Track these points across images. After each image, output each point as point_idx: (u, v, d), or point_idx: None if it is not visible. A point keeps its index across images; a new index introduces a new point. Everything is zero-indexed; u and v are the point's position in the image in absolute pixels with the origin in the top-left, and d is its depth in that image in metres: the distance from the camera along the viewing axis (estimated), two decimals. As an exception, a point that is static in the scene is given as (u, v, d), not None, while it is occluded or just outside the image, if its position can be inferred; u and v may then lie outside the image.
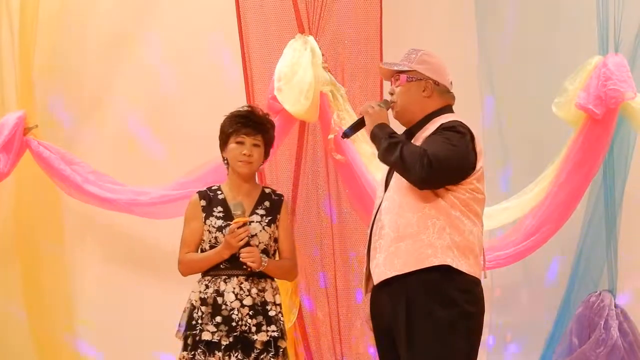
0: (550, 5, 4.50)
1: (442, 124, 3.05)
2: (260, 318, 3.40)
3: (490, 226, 4.14)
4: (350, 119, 4.19)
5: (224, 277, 3.44)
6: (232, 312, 3.39)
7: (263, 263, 3.41)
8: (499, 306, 4.37)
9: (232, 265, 3.43)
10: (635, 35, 4.22)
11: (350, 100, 4.25)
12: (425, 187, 2.97)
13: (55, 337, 4.55)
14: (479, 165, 3.04)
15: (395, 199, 3.04)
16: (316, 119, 4.20)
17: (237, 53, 4.36)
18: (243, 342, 3.37)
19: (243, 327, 3.37)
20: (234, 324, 3.37)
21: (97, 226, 4.68)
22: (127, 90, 4.73)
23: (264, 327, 3.39)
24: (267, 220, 3.49)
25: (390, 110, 3.20)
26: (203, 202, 3.54)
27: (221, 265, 3.45)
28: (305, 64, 4.12)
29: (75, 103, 4.76)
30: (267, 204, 3.54)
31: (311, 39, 4.22)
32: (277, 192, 3.64)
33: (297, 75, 4.10)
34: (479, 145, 3.06)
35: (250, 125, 3.51)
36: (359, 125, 3.20)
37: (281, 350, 3.43)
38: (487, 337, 4.30)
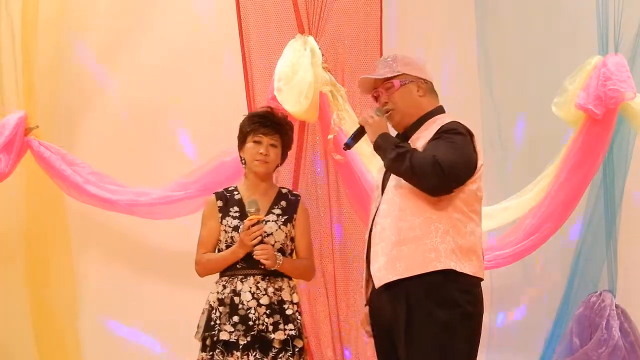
0: (550, 5, 4.51)
1: (442, 126, 3.04)
2: (277, 317, 3.40)
3: (490, 226, 4.15)
4: (350, 119, 4.20)
5: (240, 276, 3.44)
6: (249, 311, 3.38)
7: (278, 261, 3.41)
8: (499, 306, 4.37)
9: (249, 264, 3.43)
10: (635, 35, 4.22)
11: (350, 100, 4.25)
12: (438, 194, 2.97)
13: (58, 336, 4.55)
14: (479, 164, 3.05)
15: (396, 201, 3.03)
16: (316, 119, 4.21)
17: (237, 53, 4.36)
18: (261, 342, 3.36)
19: (260, 327, 3.37)
20: (250, 323, 3.36)
21: (102, 226, 4.68)
22: (127, 91, 4.73)
23: (281, 326, 3.38)
24: (283, 220, 3.49)
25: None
26: (220, 203, 3.54)
27: (237, 265, 3.44)
28: (305, 64, 4.12)
29: (76, 103, 4.76)
30: (283, 203, 3.54)
31: (311, 39, 4.22)
32: (294, 192, 3.65)
33: (297, 75, 4.11)
34: (478, 143, 3.07)
35: (268, 125, 3.52)
36: (359, 134, 3.19)
37: (297, 349, 3.41)
38: (487, 337, 4.29)
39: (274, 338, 3.37)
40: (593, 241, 4.28)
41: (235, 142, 4.17)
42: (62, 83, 4.71)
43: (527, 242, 4.18)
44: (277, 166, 3.62)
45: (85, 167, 4.40)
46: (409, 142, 3.10)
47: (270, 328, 3.37)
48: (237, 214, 3.48)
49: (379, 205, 3.11)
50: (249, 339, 3.35)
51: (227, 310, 3.40)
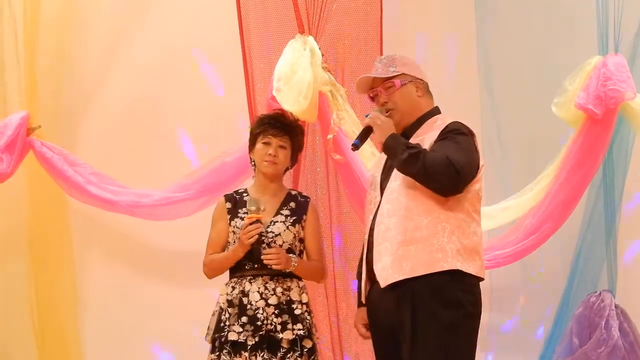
0: (549, 5, 4.50)
1: (446, 126, 3.06)
2: (285, 317, 3.40)
3: (490, 226, 4.15)
4: (350, 119, 4.20)
5: (249, 277, 3.44)
6: (257, 311, 3.38)
7: (293, 263, 3.42)
8: (499, 306, 4.37)
9: (258, 265, 3.43)
10: (635, 35, 4.21)
11: (350, 100, 4.26)
12: (449, 194, 2.99)
13: (59, 336, 4.57)
14: (481, 164, 3.08)
15: (401, 201, 3.04)
16: (315, 119, 4.21)
17: (238, 53, 4.36)
18: (269, 342, 3.36)
19: (268, 327, 3.37)
20: (259, 323, 3.36)
21: (104, 226, 4.69)
22: (128, 91, 4.74)
23: (289, 326, 3.39)
24: (291, 220, 3.49)
25: None
26: (229, 205, 3.55)
27: (246, 266, 3.45)
28: (305, 64, 4.12)
29: (78, 103, 4.77)
30: (292, 204, 3.55)
31: (311, 39, 4.23)
32: (303, 194, 3.65)
33: (296, 75, 4.10)
34: (478, 143, 3.10)
35: (277, 126, 3.53)
36: (365, 134, 3.18)
37: (306, 349, 3.41)
38: (487, 337, 4.30)
39: (282, 338, 3.37)
40: (593, 241, 4.27)
41: (236, 142, 4.20)
42: (65, 83, 4.72)
43: (527, 242, 4.18)
44: (287, 169, 3.63)
45: (86, 168, 4.41)
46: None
47: (279, 328, 3.38)
48: (245, 216, 3.47)
49: (378, 205, 3.11)
50: (257, 339, 3.35)
51: (236, 311, 3.40)
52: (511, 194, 4.27)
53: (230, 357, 3.36)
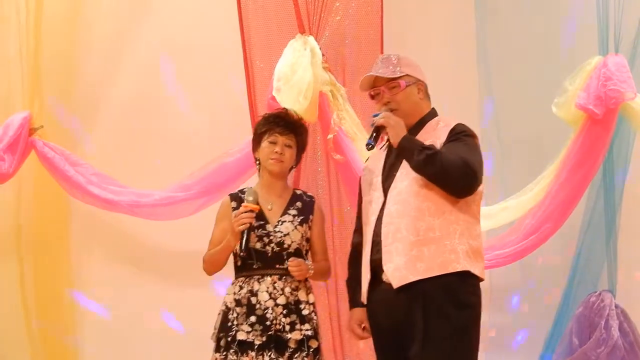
0: (550, 5, 4.50)
1: (454, 127, 3.07)
2: (294, 317, 3.39)
3: (489, 226, 4.15)
4: (350, 118, 4.21)
5: (257, 277, 3.43)
6: (266, 311, 3.37)
7: (310, 271, 3.43)
8: (498, 306, 4.38)
9: (265, 265, 3.43)
10: (635, 35, 4.21)
11: (350, 100, 4.26)
12: (464, 195, 3.01)
13: (57, 336, 4.59)
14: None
15: (411, 202, 3.03)
16: (315, 119, 4.21)
17: (238, 53, 4.38)
18: (276, 342, 3.35)
19: (277, 326, 3.36)
20: (268, 323, 3.35)
21: (106, 226, 4.70)
22: (130, 91, 4.75)
23: (297, 326, 3.38)
24: (299, 220, 3.48)
25: None
26: (234, 204, 3.53)
27: (254, 266, 3.44)
28: (305, 64, 4.13)
29: (80, 104, 4.78)
30: (298, 204, 3.54)
31: (311, 39, 4.23)
32: (308, 194, 3.63)
33: (296, 75, 4.11)
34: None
35: (283, 124, 3.52)
36: (378, 134, 3.15)
37: (312, 350, 3.40)
38: (486, 337, 4.30)
39: (290, 338, 3.37)
40: (593, 241, 4.28)
41: (236, 143, 4.20)
42: (66, 84, 4.73)
43: (527, 242, 4.18)
44: (292, 168, 3.62)
45: (88, 168, 4.43)
46: None
47: (287, 328, 3.37)
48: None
49: (382, 206, 3.10)
50: (264, 339, 3.34)
51: (244, 311, 3.39)
52: (511, 194, 4.27)
53: (237, 356, 3.34)
